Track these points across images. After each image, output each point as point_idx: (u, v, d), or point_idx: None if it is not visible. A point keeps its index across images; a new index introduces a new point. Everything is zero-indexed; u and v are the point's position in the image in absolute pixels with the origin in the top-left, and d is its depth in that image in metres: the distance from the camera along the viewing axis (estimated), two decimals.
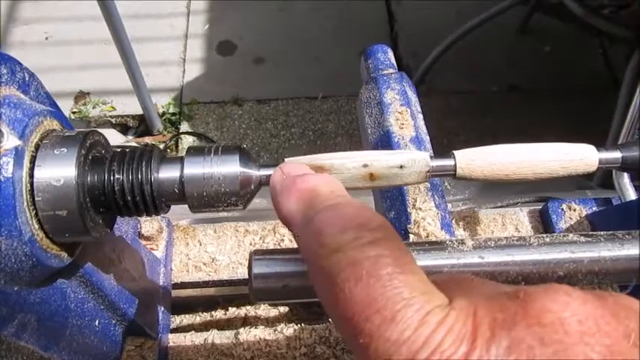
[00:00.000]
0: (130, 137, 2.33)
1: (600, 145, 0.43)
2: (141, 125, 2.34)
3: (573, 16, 2.14)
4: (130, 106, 2.30)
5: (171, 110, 2.36)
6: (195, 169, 0.40)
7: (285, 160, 0.42)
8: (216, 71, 2.50)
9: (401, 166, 0.41)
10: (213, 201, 0.40)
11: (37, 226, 0.38)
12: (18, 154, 0.36)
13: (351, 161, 0.41)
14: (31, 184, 0.37)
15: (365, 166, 0.41)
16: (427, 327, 0.22)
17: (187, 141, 2.31)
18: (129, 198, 0.40)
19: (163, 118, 2.33)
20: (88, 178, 0.39)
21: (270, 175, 0.41)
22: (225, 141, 2.27)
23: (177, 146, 2.28)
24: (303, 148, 2.30)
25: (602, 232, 0.40)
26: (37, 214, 0.37)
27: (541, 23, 2.50)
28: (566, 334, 0.21)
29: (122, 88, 2.24)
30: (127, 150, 0.42)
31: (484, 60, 2.46)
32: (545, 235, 0.40)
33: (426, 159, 0.41)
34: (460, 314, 0.23)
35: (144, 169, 0.40)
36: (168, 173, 0.40)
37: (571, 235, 0.40)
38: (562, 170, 0.41)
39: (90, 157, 0.40)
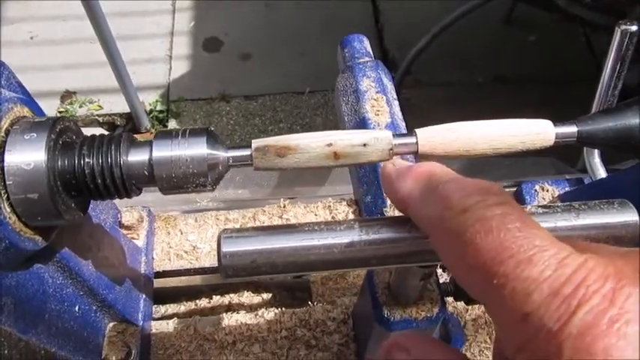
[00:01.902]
0: None
1: None
2: (128, 123, 2.34)
3: (556, 6, 2.15)
4: (117, 105, 2.31)
5: (158, 108, 2.36)
6: (163, 151, 0.41)
7: (253, 141, 0.43)
8: (203, 68, 2.50)
9: (364, 145, 0.42)
10: (182, 182, 0.41)
11: (8, 210, 0.39)
12: None
13: (316, 141, 0.42)
14: (2, 168, 0.38)
15: (329, 145, 0.42)
16: (567, 268, 0.23)
17: None
18: (99, 181, 0.41)
19: (151, 115, 2.33)
20: (59, 162, 0.40)
21: (237, 156, 0.43)
22: None
23: None
24: None
25: (559, 204, 0.41)
26: (8, 198, 0.38)
27: (525, 13, 2.52)
28: None
29: (109, 87, 2.24)
30: (97, 135, 0.43)
31: (469, 51, 2.47)
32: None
33: (389, 137, 0.43)
34: (599, 261, 0.23)
35: (113, 152, 0.41)
36: (137, 156, 0.41)
37: (529, 206, 0.41)
38: (520, 145, 0.42)
39: (60, 142, 0.41)
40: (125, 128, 2.33)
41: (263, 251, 0.40)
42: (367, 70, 0.79)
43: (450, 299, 0.57)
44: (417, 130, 0.43)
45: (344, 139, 0.42)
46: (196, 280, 0.85)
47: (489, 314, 0.26)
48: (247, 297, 0.82)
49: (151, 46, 2.53)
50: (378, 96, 0.76)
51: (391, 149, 0.42)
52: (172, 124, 2.34)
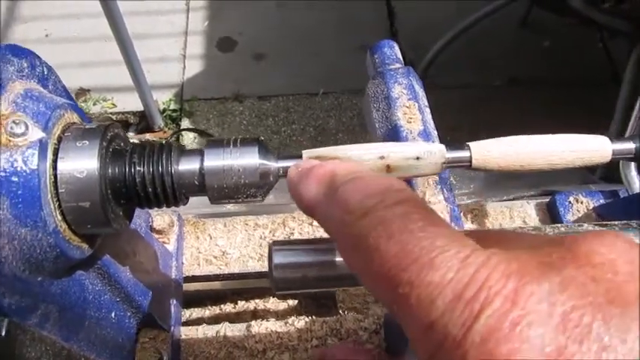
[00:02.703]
0: (131, 134, 2.33)
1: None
2: (142, 122, 2.34)
3: (572, 10, 2.14)
4: (131, 103, 2.31)
5: (171, 107, 2.36)
6: (214, 161, 0.40)
7: (303, 152, 0.43)
8: (217, 67, 2.50)
9: (417, 158, 0.41)
10: (232, 193, 0.41)
11: (60, 218, 0.38)
12: (42, 146, 0.36)
13: (368, 153, 0.42)
14: (55, 175, 0.37)
15: (382, 157, 0.41)
16: (469, 267, 0.22)
17: (188, 137, 2.31)
18: (150, 189, 0.40)
19: (164, 114, 2.33)
20: (110, 170, 0.40)
21: (288, 166, 0.42)
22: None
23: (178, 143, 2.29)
24: (304, 144, 2.30)
25: (616, 222, 0.40)
26: (60, 206, 0.38)
27: (541, 17, 2.51)
28: (616, 274, 0.21)
29: (123, 85, 2.24)
30: (148, 143, 0.42)
31: (485, 54, 2.46)
32: (559, 225, 0.41)
33: (442, 150, 0.42)
34: (502, 257, 0.22)
35: (164, 161, 0.40)
36: (188, 165, 0.41)
37: (585, 224, 0.40)
38: (578, 161, 0.41)
39: (111, 150, 0.40)
40: (138, 127, 2.33)
41: (315, 264, 0.40)
42: (399, 76, 0.78)
43: None
44: (470, 144, 0.43)
45: (397, 152, 0.41)
46: (218, 284, 0.85)
47: (401, 325, 0.25)
48: (273, 303, 0.81)
49: (164, 45, 2.53)
50: (410, 103, 0.76)
51: (444, 162, 0.42)
52: (185, 123, 2.34)
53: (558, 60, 2.49)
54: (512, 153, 0.41)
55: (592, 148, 0.41)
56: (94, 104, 2.34)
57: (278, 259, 0.39)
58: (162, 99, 2.37)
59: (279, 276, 0.39)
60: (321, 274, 0.40)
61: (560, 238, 0.24)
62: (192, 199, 0.82)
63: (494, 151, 0.42)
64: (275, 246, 0.40)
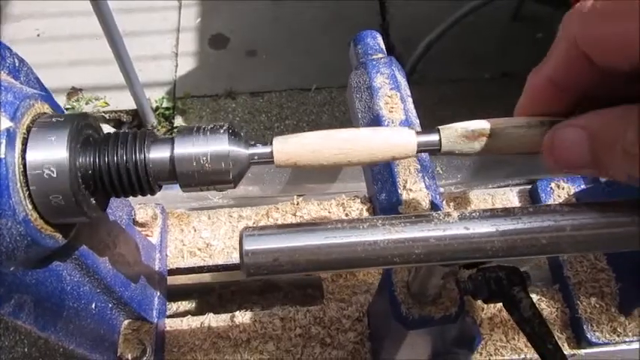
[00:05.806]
0: None
1: None
2: (134, 120, 2.34)
3: (565, 2, 2.14)
4: (124, 102, 2.30)
5: (164, 105, 2.36)
6: (185, 148, 0.41)
7: (274, 139, 0.43)
8: (209, 65, 2.50)
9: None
10: (203, 179, 0.41)
11: (30, 207, 0.38)
12: (10, 135, 0.36)
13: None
14: (24, 165, 0.38)
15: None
16: None
17: None
18: (120, 178, 0.40)
19: (157, 112, 2.33)
20: (80, 159, 0.40)
21: (259, 152, 0.42)
22: None
23: None
24: None
25: (584, 202, 0.41)
26: (30, 195, 0.38)
27: (533, 10, 2.51)
28: None
29: (115, 84, 2.24)
30: (120, 132, 0.42)
31: (477, 48, 2.46)
32: (529, 206, 0.41)
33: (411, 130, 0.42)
34: None
35: (135, 149, 0.41)
36: (158, 153, 0.41)
37: (554, 205, 0.41)
38: None
39: (81, 139, 0.41)
40: (131, 125, 2.33)
41: (285, 249, 0.40)
42: (381, 66, 0.79)
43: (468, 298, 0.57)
44: (440, 128, 0.43)
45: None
46: (206, 276, 0.85)
47: None
48: (259, 294, 0.82)
49: (157, 42, 2.52)
50: (392, 93, 0.76)
51: (411, 128, 0.42)
52: (179, 120, 2.34)
53: None
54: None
55: None
56: (87, 103, 2.34)
57: (248, 244, 0.40)
58: (155, 97, 2.37)
59: (249, 262, 0.39)
60: (292, 259, 0.40)
61: None
62: (179, 194, 0.82)
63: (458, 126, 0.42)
64: (246, 231, 0.40)
